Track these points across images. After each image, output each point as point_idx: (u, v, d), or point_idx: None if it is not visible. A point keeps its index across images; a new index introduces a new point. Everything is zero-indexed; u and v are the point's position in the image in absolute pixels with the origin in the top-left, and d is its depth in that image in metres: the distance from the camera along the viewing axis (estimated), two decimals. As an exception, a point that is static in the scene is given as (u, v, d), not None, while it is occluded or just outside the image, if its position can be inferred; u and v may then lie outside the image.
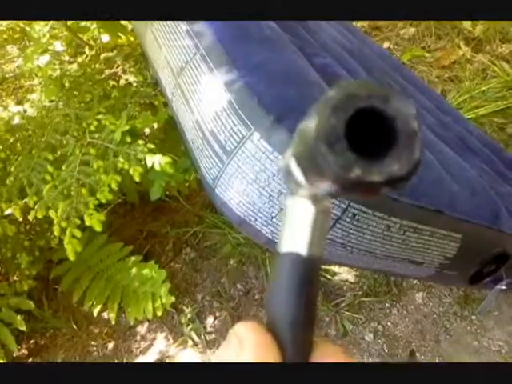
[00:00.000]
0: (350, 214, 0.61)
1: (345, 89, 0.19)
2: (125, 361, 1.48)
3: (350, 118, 0.18)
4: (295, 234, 0.24)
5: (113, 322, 1.49)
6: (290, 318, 0.23)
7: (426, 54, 1.99)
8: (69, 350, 1.56)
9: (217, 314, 1.52)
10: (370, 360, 1.33)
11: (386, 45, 2.09)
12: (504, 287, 0.86)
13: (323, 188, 0.20)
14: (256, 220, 0.65)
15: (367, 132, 0.19)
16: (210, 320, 1.51)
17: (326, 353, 0.24)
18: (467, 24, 1.99)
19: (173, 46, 0.79)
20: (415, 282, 1.44)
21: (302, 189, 0.24)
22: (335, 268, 1.49)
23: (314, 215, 0.24)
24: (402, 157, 0.19)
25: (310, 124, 0.19)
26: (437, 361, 1.30)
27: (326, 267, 1.49)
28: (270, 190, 0.61)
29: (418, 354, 1.32)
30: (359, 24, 2.12)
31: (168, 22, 0.81)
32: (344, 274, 1.50)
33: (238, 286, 1.58)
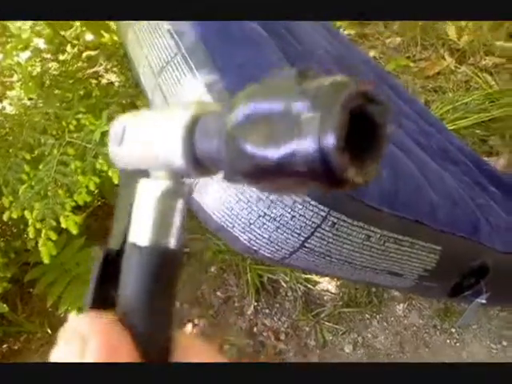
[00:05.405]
0: (330, 223, 0.60)
1: (353, 85, 0.17)
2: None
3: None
4: (140, 221, 0.22)
5: (88, 328, 1.46)
6: (138, 307, 0.22)
7: (411, 64, 2.00)
8: (43, 355, 1.52)
9: (196, 322, 1.49)
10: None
11: (371, 53, 2.09)
12: (484, 301, 0.85)
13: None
14: (234, 226, 0.63)
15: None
16: (188, 327, 1.48)
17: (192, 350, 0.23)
18: (452, 35, 2.00)
19: (154, 45, 0.77)
20: (396, 293, 1.43)
21: (159, 170, 0.22)
22: (316, 277, 1.48)
23: (159, 198, 0.22)
24: (378, 161, 0.18)
25: (309, 113, 0.17)
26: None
27: (307, 276, 1.47)
28: (248, 195, 0.60)
29: (396, 366, 1.31)
30: (346, 32, 2.12)
31: (150, 20, 0.79)
32: (325, 283, 1.48)
33: (218, 293, 1.56)
